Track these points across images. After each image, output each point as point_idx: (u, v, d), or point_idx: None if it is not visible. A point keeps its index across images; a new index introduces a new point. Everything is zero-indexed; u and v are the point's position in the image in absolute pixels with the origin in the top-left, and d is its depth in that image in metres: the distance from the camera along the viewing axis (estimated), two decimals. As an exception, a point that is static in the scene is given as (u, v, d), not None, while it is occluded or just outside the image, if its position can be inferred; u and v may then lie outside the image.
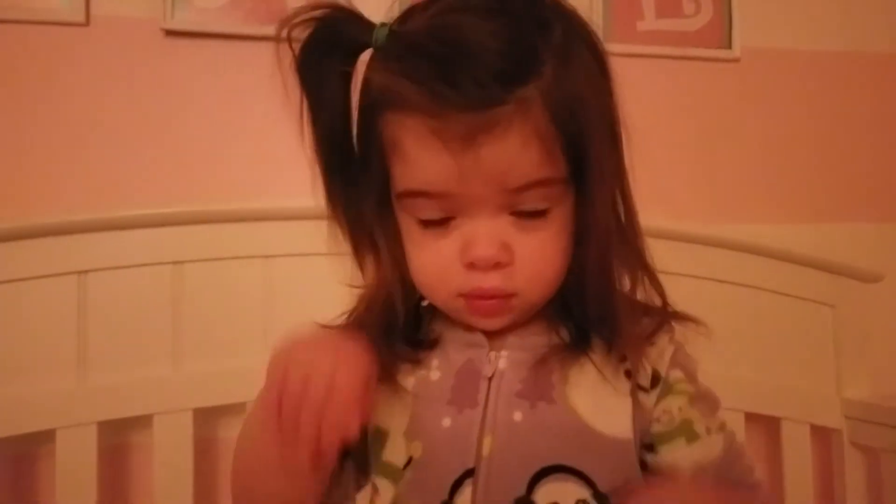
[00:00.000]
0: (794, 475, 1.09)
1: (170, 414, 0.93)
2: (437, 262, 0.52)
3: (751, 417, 1.08)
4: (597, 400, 0.54)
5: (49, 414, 0.90)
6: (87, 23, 1.00)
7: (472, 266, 0.51)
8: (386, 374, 0.54)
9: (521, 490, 0.51)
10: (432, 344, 0.57)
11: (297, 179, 1.04)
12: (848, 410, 1.09)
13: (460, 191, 0.49)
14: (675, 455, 0.54)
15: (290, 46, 0.51)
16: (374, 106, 0.51)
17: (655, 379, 0.56)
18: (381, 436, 0.55)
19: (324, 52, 0.51)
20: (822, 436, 1.13)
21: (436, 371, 0.56)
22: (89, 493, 0.90)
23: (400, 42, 0.49)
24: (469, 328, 0.56)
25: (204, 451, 0.99)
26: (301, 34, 0.51)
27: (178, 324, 0.95)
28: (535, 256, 0.51)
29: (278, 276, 0.97)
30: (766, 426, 1.13)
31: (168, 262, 0.94)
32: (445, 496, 0.52)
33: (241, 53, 1.04)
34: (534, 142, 0.48)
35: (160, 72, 1.02)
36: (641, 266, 0.56)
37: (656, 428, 0.55)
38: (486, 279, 0.51)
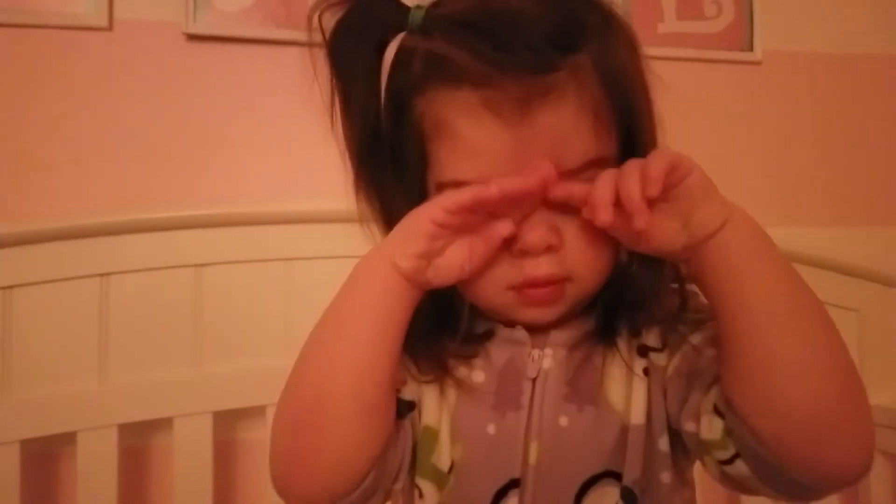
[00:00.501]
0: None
1: (190, 416, 0.93)
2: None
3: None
4: (625, 391, 0.51)
5: (70, 416, 0.90)
6: (110, 27, 1.01)
7: (522, 254, 0.47)
8: (437, 372, 0.52)
9: (568, 500, 0.49)
10: (484, 338, 0.53)
11: (319, 182, 1.05)
12: (873, 417, 1.07)
13: (515, 171, 0.44)
14: (688, 346, 0.50)
15: (322, 31, 0.49)
16: (413, 86, 0.47)
17: (665, 334, 0.53)
18: (431, 435, 0.52)
19: (357, 35, 0.48)
20: (846, 442, 1.11)
21: (479, 372, 0.52)
22: (110, 495, 0.90)
23: (440, 19, 0.46)
24: (509, 323, 0.52)
25: (224, 453, 0.99)
26: (331, 20, 0.49)
27: (199, 327, 0.95)
28: (587, 239, 0.48)
29: (299, 279, 0.97)
30: (789, 432, 1.11)
31: (190, 265, 0.95)
32: None
33: (263, 57, 1.04)
34: (588, 111, 0.45)
35: (182, 75, 1.03)
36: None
37: (682, 364, 0.51)
38: (539, 266, 0.47)
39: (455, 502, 0.51)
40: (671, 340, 0.52)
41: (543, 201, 0.47)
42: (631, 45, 0.50)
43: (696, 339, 0.50)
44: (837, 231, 1.21)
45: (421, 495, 0.52)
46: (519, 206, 0.46)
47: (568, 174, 0.46)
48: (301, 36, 1.12)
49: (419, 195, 0.49)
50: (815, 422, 0.42)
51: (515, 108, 0.44)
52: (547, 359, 0.51)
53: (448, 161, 0.47)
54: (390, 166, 0.50)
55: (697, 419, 0.48)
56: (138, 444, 0.98)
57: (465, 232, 0.46)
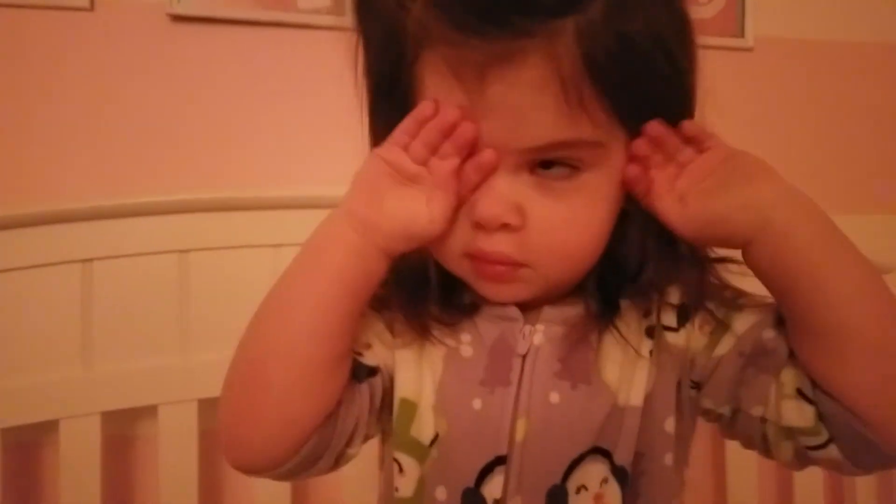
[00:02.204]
0: (805, 474, 1.08)
1: (175, 404, 0.92)
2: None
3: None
4: (623, 372, 0.50)
5: (53, 404, 0.89)
6: (91, 8, 0.98)
7: (478, 225, 0.46)
8: (418, 336, 0.52)
9: (556, 478, 0.48)
10: (468, 309, 0.52)
11: (307, 167, 1.04)
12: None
13: (479, 140, 0.44)
14: (743, 326, 0.50)
15: None
16: (408, 46, 0.46)
17: (683, 314, 0.52)
18: (408, 408, 0.51)
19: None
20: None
21: (467, 347, 0.51)
22: (93, 484, 0.89)
23: None
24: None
25: (209, 442, 0.98)
26: None
27: (184, 313, 0.94)
28: (556, 224, 0.46)
29: (286, 265, 0.95)
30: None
31: (174, 251, 0.93)
32: (471, 483, 0.49)
33: (248, 39, 1.02)
34: (552, 84, 0.42)
35: (166, 57, 1.01)
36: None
37: (703, 340, 0.51)
38: (490, 241, 0.46)
39: (438, 477, 0.50)
40: (696, 319, 0.51)
41: (524, 165, 0.45)
42: (661, 19, 0.44)
43: (749, 320, 0.49)
44: (826, 219, 1.21)
45: (401, 469, 0.51)
46: (460, 146, 0.45)
47: (530, 151, 0.44)
48: (287, 17, 1.12)
49: None
50: None
51: (473, 70, 0.42)
52: (538, 335, 0.51)
53: None
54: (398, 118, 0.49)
55: (766, 403, 0.48)
56: (122, 432, 0.97)
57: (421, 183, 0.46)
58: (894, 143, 1.25)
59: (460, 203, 0.46)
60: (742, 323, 0.50)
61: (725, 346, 0.49)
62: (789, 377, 0.47)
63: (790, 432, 0.47)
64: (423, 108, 0.44)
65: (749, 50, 1.19)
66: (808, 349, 0.45)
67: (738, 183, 0.45)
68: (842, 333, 0.43)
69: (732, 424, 0.50)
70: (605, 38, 0.42)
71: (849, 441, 0.44)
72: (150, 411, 0.92)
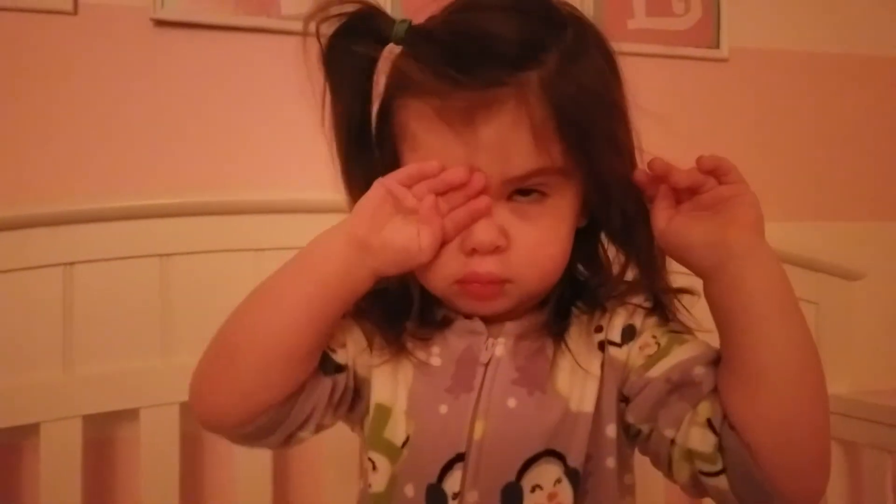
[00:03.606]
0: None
1: (157, 408, 0.93)
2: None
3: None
4: (573, 379, 0.56)
5: (33, 407, 0.89)
6: (74, 11, 0.98)
7: (473, 252, 0.52)
8: (394, 351, 0.57)
9: (510, 476, 0.53)
10: (442, 324, 0.58)
11: (289, 172, 1.05)
12: (830, 406, 1.10)
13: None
14: (678, 357, 0.55)
15: (318, 38, 0.53)
16: (389, 94, 0.54)
17: (629, 332, 0.57)
18: (383, 412, 0.56)
19: (349, 43, 0.53)
20: (804, 431, 1.14)
21: (436, 358, 0.57)
22: (74, 487, 0.89)
23: (417, 34, 0.52)
24: (468, 315, 0.57)
25: (191, 445, 0.98)
26: (326, 28, 0.53)
27: (166, 317, 0.94)
28: (531, 243, 0.53)
29: (269, 270, 0.96)
30: (750, 421, 1.14)
31: (156, 255, 0.94)
32: (434, 479, 0.53)
33: (231, 44, 1.03)
34: (526, 124, 0.49)
35: (149, 62, 1.01)
36: (648, 263, 0.57)
37: (640, 361, 0.56)
38: (482, 263, 0.52)
39: (407, 474, 0.55)
40: (639, 341, 0.57)
41: (503, 195, 0.52)
42: (601, 75, 0.53)
43: (686, 353, 0.55)
44: (799, 226, 1.24)
45: (374, 467, 0.56)
46: (459, 199, 0.51)
47: (513, 181, 0.51)
48: (270, 23, 1.14)
49: None
50: (804, 433, 0.49)
51: (461, 117, 0.49)
52: (499, 346, 0.56)
53: (411, 162, 0.53)
54: (378, 164, 0.55)
55: (678, 427, 0.53)
56: (103, 435, 0.97)
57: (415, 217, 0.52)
58: (867, 152, 1.29)
59: (447, 239, 0.52)
60: (679, 354, 0.55)
61: (658, 370, 0.55)
62: (705, 408, 0.52)
63: (690, 455, 0.52)
64: (428, 167, 0.51)
65: (724, 61, 1.21)
66: (729, 381, 0.51)
67: (719, 223, 0.51)
68: (760, 375, 0.49)
69: (647, 442, 0.56)
70: (563, 85, 0.50)
71: (738, 475, 0.50)
72: (131, 414, 0.93)
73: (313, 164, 1.08)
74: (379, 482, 0.56)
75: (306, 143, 1.03)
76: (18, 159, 0.97)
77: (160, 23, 1.01)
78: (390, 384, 0.57)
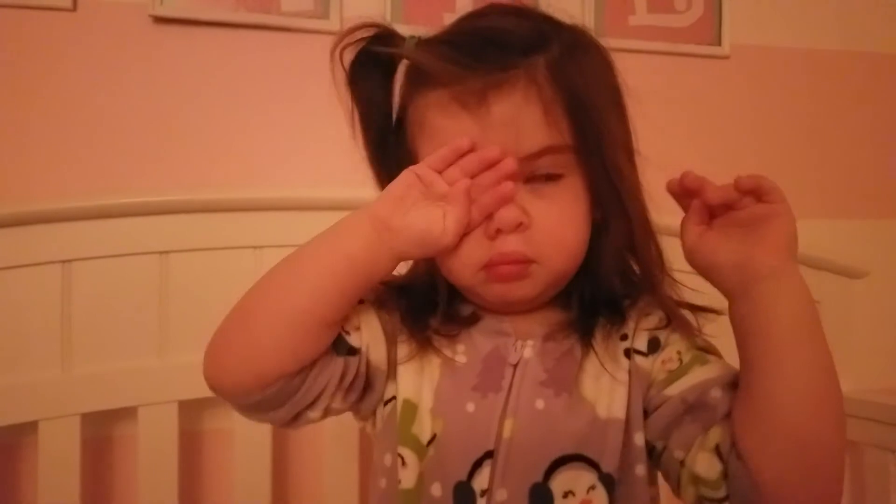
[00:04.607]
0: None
1: (155, 406, 0.92)
2: (462, 241, 0.54)
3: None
4: (600, 385, 0.56)
5: (32, 405, 0.88)
6: (73, 8, 0.98)
7: (497, 233, 0.53)
8: (420, 347, 0.58)
9: (538, 477, 0.53)
10: (469, 320, 0.59)
11: (288, 169, 1.05)
12: (832, 405, 1.10)
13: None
14: (694, 377, 0.55)
15: (342, 64, 0.57)
16: (407, 97, 0.58)
17: (654, 344, 0.58)
18: (410, 408, 0.57)
19: (369, 64, 0.58)
20: (806, 430, 1.14)
21: (462, 356, 0.58)
22: (72, 485, 0.89)
23: (427, 42, 0.56)
24: (497, 317, 0.58)
25: (189, 443, 0.98)
26: (348, 52, 0.58)
27: (165, 315, 0.94)
28: (553, 221, 0.54)
29: (269, 267, 0.95)
30: (752, 420, 1.14)
31: (155, 252, 0.93)
32: (464, 476, 0.54)
33: (231, 41, 1.03)
34: (536, 103, 0.52)
35: (148, 58, 1.01)
36: (644, 243, 0.57)
37: (662, 376, 0.56)
38: (507, 243, 0.53)
39: (435, 472, 0.55)
40: (662, 354, 0.57)
41: (520, 176, 0.53)
42: (598, 66, 0.57)
43: (705, 374, 0.55)
44: (802, 223, 1.22)
45: (404, 463, 0.56)
46: (489, 182, 0.53)
47: (527, 158, 0.53)
48: (269, 20, 1.14)
49: None
50: (815, 465, 0.48)
51: (476, 98, 0.52)
52: (528, 349, 0.57)
53: (428, 151, 0.55)
54: (399, 168, 0.57)
55: (688, 450, 0.54)
56: (102, 433, 0.97)
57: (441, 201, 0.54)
58: (869, 149, 1.28)
59: (471, 227, 0.54)
60: (698, 374, 0.55)
61: (676, 388, 0.55)
62: (715, 434, 0.52)
63: (696, 480, 0.53)
64: (461, 143, 0.53)
65: (725, 58, 1.21)
66: (743, 405, 0.51)
67: (750, 244, 0.50)
68: (773, 402, 0.49)
69: (660, 457, 0.56)
70: (568, 69, 0.53)
71: (740, 502, 0.50)
72: (129, 413, 0.92)
73: (313, 161, 1.09)
74: (408, 478, 0.55)
75: (306, 140, 1.04)
76: (16, 156, 0.96)
77: (159, 19, 1.01)
78: (416, 381, 0.57)
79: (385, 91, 0.59)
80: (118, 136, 0.99)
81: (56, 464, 0.89)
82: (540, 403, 0.55)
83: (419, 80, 0.56)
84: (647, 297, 0.59)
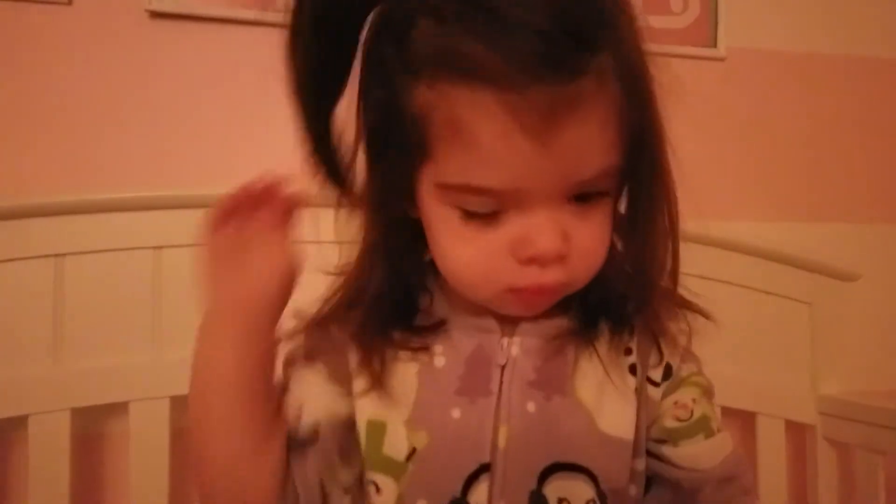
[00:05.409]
0: (769, 469, 1.11)
1: (147, 401, 0.92)
2: (484, 257, 0.47)
3: (727, 412, 1.09)
4: (602, 398, 0.52)
5: (22, 399, 0.88)
6: (69, 2, 0.98)
7: (531, 261, 0.46)
8: (380, 363, 0.51)
9: (532, 484, 0.50)
10: (436, 329, 0.52)
11: (284, 165, 1.04)
12: (822, 406, 1.11)
13: (532, 186, 0.44)
14: (697, 449, 0.54)
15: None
16: (413, 69, 0.44)
17: (667, 373, 0.55)
18: (378, 428, 0.51)
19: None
20: (796, 431, 1.14)
21: (440, 357, 0.52)
22: (62, 481, 0.88)
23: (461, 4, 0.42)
24: (479, 312, 0.52)
25: (181, 439, 0.97)
26: None
27: (157, 310, 0.93)
28: (590, 244, 0.48)
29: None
30: (742, 420, 1.14)
31: (148, 247, 0.93)
32: (458, 492, 0.49)
33: (226, 37, 1.02)
34: (612, 124, 0.44)
35: (143, 53, 1.00)
36: (674, 246, 0.52)
37: (671, 423, 0.54)
38: (548, 274, 0.46)
39: (418, 491, 0.50)
40: (677, 395, 0.55)
41: (567, 195, 0.46)
42: (641, 35, 0.47)
43: (704, 460, 0.54)
44: (794, 226, 1.24)
45: (378, 490, 0.51)
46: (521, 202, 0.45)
47: (581, 184, 0.45)
48: (266, 16, 1.12)
49: (408, 184, 0.48)
50: None
51: (540, 119, 0.41)
52: (515, 346, 0.52)
53: (462, 165, 0.44)
54: (373, 144, 0.49)
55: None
56: (93, 429, 0.96)
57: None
58: (863, 153, 1.29)
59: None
60: (698, 453, 0.54)
61: (674, 453, 0.54)
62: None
63: None
64: (252, 188, 0.51)
65: (721, 60, 1.21)
66: None
67: None
68: None
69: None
70: (629, 65, 0.44)
71: None
72: (120, 408, 0.92)
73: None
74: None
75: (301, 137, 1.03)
76: (10, 150, 0.96)
77: (155, 14, 1.00)
78: (382, 396, 0.51)
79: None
80: (113, 131, 0.99)
81: (46, 458, 0.88)
82: (531, 406, 0.50)
83: (447, 61, 0.42)
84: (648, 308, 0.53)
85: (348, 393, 0.52)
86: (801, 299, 1.14)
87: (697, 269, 1.10)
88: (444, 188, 0.46)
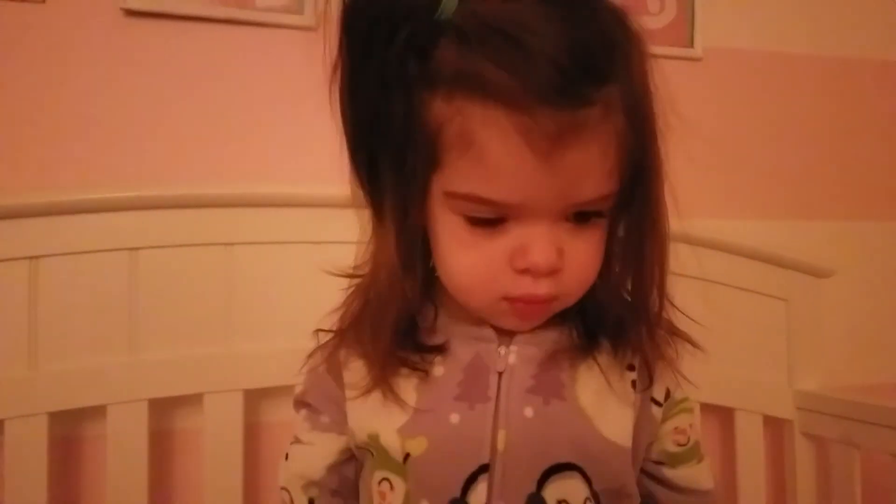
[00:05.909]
0: (747, 464, 1.12)
1: (125, 404, 0.91)
2: (484, 264, 0.49)
3: (706, 408, 1.10)
4: (602, 404, 0.54)
5: (-3, 404, 0.87)
6: (43, 0, 0.96)
7: (525, 272, 0.49)
8: (384, 380, 0.53)
9: (531, 486, 0.52)
10: (441, 349, 0.55)
11: (261, 165, 1.04)
12: (799, 402, 1.12)
13: (534, 202, 0.47)
14: (694, 471, 0.60)
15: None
16: (433, 83, 0.46)
17: (667, 395, 0.59)
18: (374, 437, 0.54)
19: (380, 12, 0.46)
20: (774, 426, 1.16)
21: (439, 367, 0.54)
22: (39, 485, 0.87)
23: (473, 17, 0.44)
24: (477, 322, 0.54)
25: (159, 442, 0.97)
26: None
27: (134, 312, 0.92)
28: (583, 261, 0.51)
29: (240, 265, 0.95)
30: (721, 416, 1.16)
31: (124, 248, 0.92)
32: (457, 493, 0.51)
33: (202, 35, 1.01)
34: (612, 151, 0.47)
35: (118, 52, 0.99)
36: (661, 276, 0.55)
37: (673, 448, 0.60)
38: (540, 286, 0.49)
39: (420, 492, 0.52)
40: (677, 420, 0.60)
41: (565, 213, 0.49)
42: (647, 65, 0.50)
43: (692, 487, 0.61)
44: (771, 224, 1.25)
45: (392, 487, 0.54)
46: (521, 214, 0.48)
47: (578, 204, 0.48)
48: (243, 15, 1.11)
49: (419, 191, 0.50)
50: None
51: (547, 140, 0.44)
52: (512, 355, 0.54)
53: (470, 176, 0.47)
54: (388, 151, 0.49)
55: None
56: (70, 432, 0.95)
57: None
58: (838, 152, 1.31)
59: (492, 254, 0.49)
60: (703, 481, 0.61)
61: (671, 473, 0.60)
62: None
63: None
64: None
65: (698, 60, 1.22)
66: None
67: None
68: None
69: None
70: (634, 97, 0.47)
71: None
72: (98, 411, 0.91)
73: (284, 157, 1.08)
74: (395, 500, 0.54)
75: (278, 136, 1.03)
76: (-18, 150, 0.94)
77: (129, 12, 0.99)
78: (381, 409, 0.54)
79: (392, 49, 0.46)
80: (87, 130, 0.98)
81: (22, 463, 0.87)
82: (529, 412, 0.52)
83: (466, 80, 0.44)
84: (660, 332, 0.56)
85: (342, 433, 0.58)
86: (777, 296, 1.15)
87: (674, 267, 1.12)
88: (452, 196, 0.48)
